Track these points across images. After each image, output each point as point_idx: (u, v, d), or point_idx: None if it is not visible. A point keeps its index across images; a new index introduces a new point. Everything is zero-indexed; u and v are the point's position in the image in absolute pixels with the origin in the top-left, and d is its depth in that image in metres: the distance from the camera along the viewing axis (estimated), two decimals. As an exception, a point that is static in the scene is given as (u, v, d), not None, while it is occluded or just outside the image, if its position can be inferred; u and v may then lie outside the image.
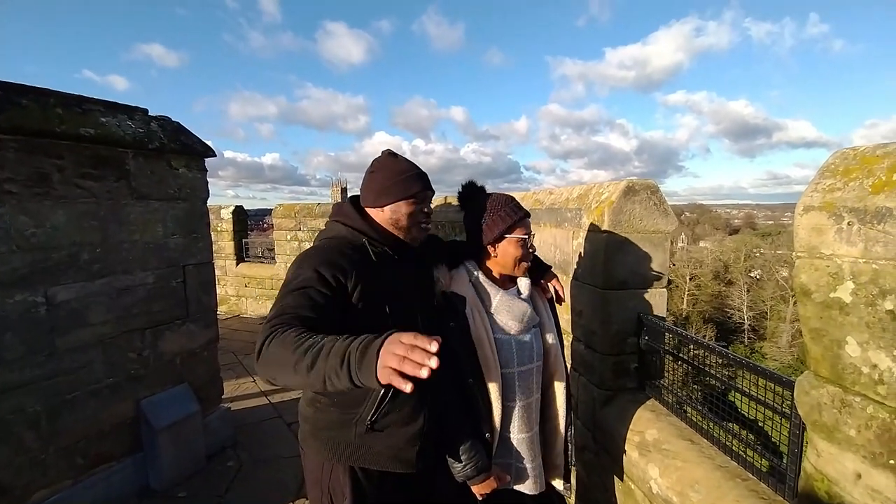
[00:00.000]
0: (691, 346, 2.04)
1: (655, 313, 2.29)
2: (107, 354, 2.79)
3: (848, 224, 1.09)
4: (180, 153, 3.08)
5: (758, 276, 31.01)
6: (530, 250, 1.61)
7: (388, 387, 1.30)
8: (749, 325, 28.68)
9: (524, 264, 1.61)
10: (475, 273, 1.63)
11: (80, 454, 2.70)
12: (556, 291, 1.80)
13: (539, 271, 1.79)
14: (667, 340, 2.19)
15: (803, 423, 1.37)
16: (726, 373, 1.81)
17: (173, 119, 3.19)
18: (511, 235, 1.58)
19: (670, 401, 2.16)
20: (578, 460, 2.69)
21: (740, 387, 1.66)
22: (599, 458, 2.43)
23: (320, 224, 8.01)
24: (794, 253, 1.24)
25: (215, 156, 3.27)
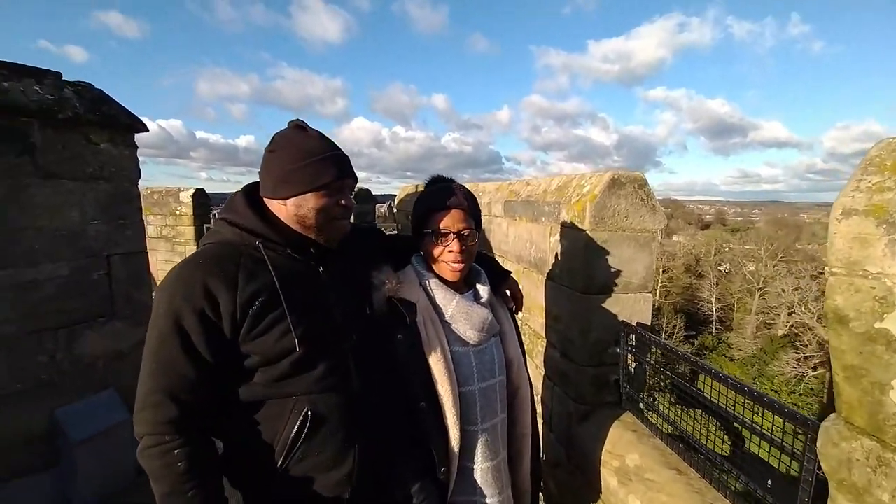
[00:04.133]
0: (681, 363, 1.80)
1: (640, 321, 2.04)
2: (11, 358, 2.39)
3: (905, 234, 0.83)
4: (102, 126, 2.64)
5: (726, 270, 31.79)
6: (458, 250, 1.29)
7: (304, 421, 1.04)
8: (717, 316, 29.45)
9: (450, 266, 1.31)
10: (426, 275, 1.34)
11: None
12: (517, 300, 1.57)
13: (497, 277, 1.51)
14: (653, 352, 1.95)
15: (819, 472, 1.13)
16: (724, 399, 1.57)
17: (96, 87, 2.74)
18: (427, 229, 1.32)
19: (655, 421, 1.93)
20: (551, 477, 2.45)
21: (740, 416, 1.42)
22: (573, 479, 2.19)
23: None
24: (827, 268, 0.98)
25: (146, 130, 2.85)
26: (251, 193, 1.14)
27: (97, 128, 2.63)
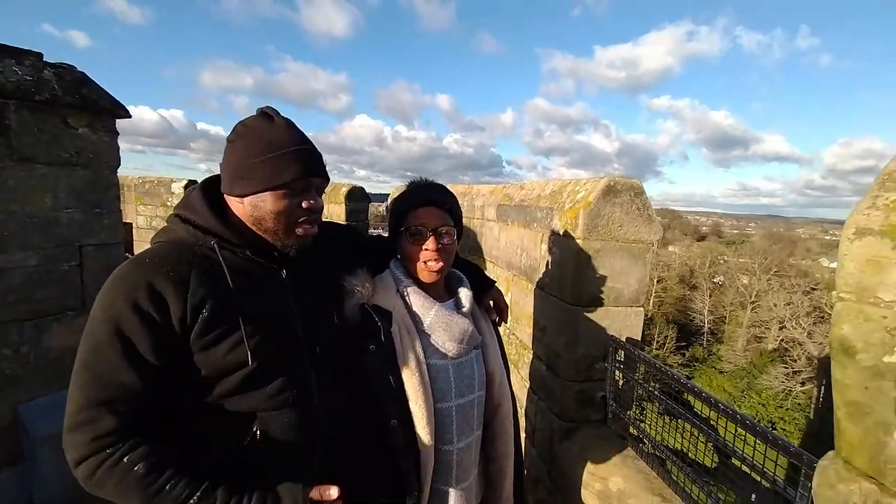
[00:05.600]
0: (671, 384, 1.72)
1: (630, 336, 1.96)
2: (-28, 349, 2.27)
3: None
4: (81, 109, 2.53)
5: (720, 283, 31.86)
6: (434, 248, 1.20)
7: (253, 440, 0.96)
8: (709, 328, 29.51)
9: (426, 266, 1.22)
10: (404, 281, 1.26)
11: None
12: (501, 312, 1.48)
13: (481, 286, 1.43)
14: (641, 370, 1.86)
15: (812, 507, 1.05)
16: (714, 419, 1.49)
17: (79, 69, 2.64)
18: (402, 227, 1.24)
19: (641, 443, 1.84)
20: (530, 493, 2.36)
21: (730, 445, 1.34)
22: (553, 499, 2.11)
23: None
24: (835, 292, 0.90)
25: (129, 116, 2.73)
26: (210, 189, 1.02)
27: (76, 111, 2.52)
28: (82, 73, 2.63)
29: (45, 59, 2.52)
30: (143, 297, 0.86)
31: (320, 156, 1.05)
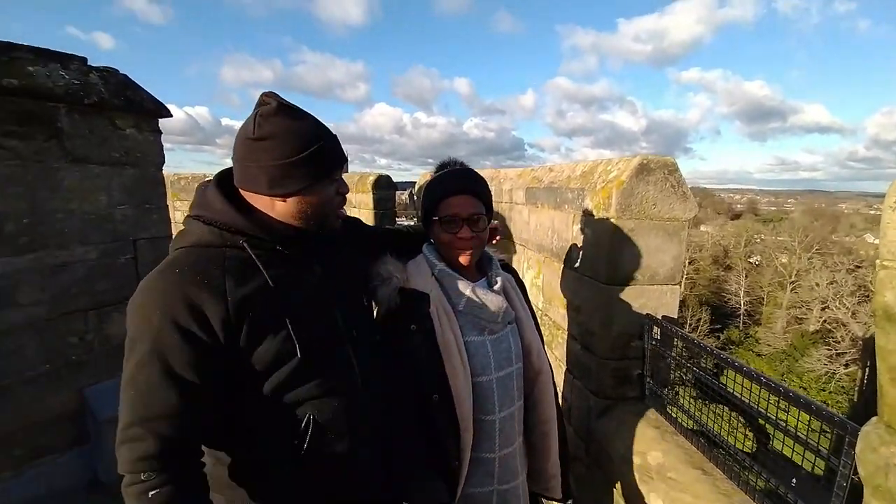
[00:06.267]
0: (705, 358, 1.72)
1: (666, 314, 1.96)
2: (42, 339, 2.47)
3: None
4: (126, 111, 2.67)
5: (757, 262, 30.73)
6: (468, 237, 1.25)
7: (307, 427, 0.99)
8: (745, 310, 28.59)
9: (460, 253, 1.28)
10: (437, 265, 1.31)
11: (18, 445, 2.43)
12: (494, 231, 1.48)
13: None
14: (678, 346, 1.87)
15: (854, 476, 1.06)
16: (751, 396, 1.49)
17: (122, 72, 2.77)
18: (435, 216, 1.28)
19: (679, 417, 1.86)
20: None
21: (772, 416, 1.35)
22: (592, 473, 2.15)
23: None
24: (878, 261, 0.90)
25: (170, 115, 2.87)
26: (224, 185, 1.00)
27: (123, 113, 2.66)
28: (125, 75, 2.77)
29: (89, 64, 2.67)
30: (180, 312, 0.84)
31: (339, 140, 1.08)
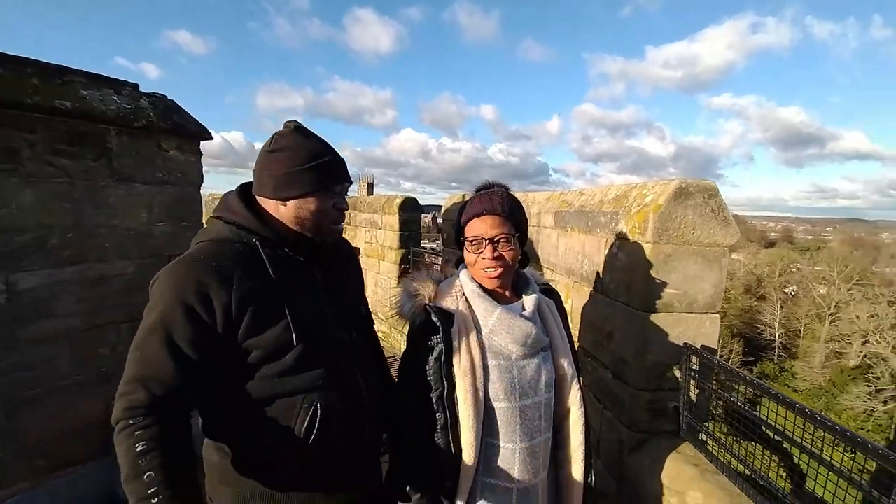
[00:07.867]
0: (744, 387, 1.62)
1: (705, 344, 1.88)
2: (75, 349, 2.54)
3: None
4: (172, 133, 2.80)
5: (793, 293, 29.45)
6: (490, 256, 1.24)
7: (314, 416, 1.09)
8: (780, 342, 27.28)
9: (486, 273, 1.26)
10: (468, 285, 1.30)
11: (41, 456, 2.46)
12: None
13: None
14: (718, 378, 1.77)
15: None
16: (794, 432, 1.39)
17: (170, 98, 2.92)
18: (463, 237, 1.31)
19: (719, 454, 1.75)
20: (598, 507, 2.29)
21: (825, 458, 1.25)
22: (624, 512, 2.03)
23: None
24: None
25: (211, 138, 2.99)
26: (245, 194, 1.15)
27: (168, 135, 2.79)
28: (172, 101, 2.91)
29: (140, 90, 2.82)
30: (190, 292, 0.97)
31: (345, 163, 1.21)
